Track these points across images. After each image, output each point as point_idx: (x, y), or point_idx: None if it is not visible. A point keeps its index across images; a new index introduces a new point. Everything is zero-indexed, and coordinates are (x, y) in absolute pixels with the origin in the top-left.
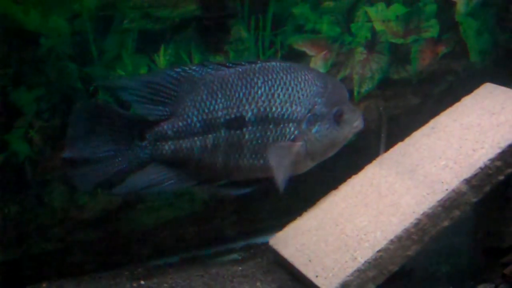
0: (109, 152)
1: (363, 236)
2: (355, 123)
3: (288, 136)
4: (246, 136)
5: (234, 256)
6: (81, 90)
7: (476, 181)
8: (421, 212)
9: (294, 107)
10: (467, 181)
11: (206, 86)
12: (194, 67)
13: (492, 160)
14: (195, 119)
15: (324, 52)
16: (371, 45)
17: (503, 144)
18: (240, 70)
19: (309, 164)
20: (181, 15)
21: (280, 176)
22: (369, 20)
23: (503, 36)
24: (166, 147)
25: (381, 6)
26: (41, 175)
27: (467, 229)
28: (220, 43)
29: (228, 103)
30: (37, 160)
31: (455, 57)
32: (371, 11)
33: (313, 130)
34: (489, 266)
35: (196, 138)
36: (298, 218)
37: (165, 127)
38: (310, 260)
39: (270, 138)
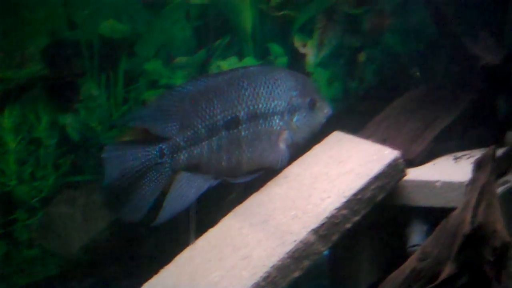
0: (141, 177)
1: None
2: (325, 110)
3: (275, 127)
4: (243, 133)
5: None
6: None
7: (323, 231)
8: (271, 265)
9: (276, 101)
10: (315, 231)
11: (203, 96)
12: (189, 84)
13: (339, 209)
14: (199, 126)
15: None
16: None
17: (348, 193)
18: (227, 77)
19: (293, 152)
20: (26, 75)
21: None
22: None
23: (353, 84)
24: (182, 157)
25: (233, 59)
26: None
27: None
28: (69, 102)
29: (224, 107)
30: None
31: None
32: (224, 64)
33: (294, 119)
34: None
35: (203, 143)
36: (155, 276)
37: (177, 139)
38: None
39: (262, 131)
